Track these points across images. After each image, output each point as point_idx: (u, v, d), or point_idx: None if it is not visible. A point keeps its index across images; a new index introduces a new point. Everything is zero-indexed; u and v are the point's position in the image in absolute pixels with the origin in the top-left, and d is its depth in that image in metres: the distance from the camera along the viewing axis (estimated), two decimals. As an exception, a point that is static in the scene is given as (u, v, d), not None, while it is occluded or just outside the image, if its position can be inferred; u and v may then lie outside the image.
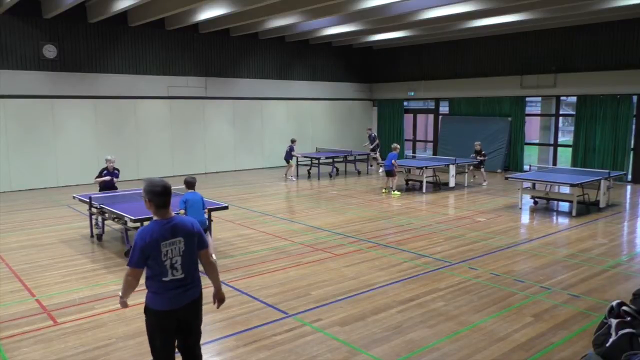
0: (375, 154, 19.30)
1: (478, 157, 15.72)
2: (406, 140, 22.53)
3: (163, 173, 16.92)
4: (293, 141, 16.51)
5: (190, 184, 7.54)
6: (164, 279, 3.46)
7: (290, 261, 7.71)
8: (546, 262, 7.67)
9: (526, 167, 17.24)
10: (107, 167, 9.83)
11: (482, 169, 15.69)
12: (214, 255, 7.49)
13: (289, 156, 16.36)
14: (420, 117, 23.52)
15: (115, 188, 10.05)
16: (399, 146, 14.45)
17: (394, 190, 13.86)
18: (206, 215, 7.65)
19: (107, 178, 9.78)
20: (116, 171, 9.92)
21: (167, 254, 3.43)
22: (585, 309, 5.82)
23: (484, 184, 15.51)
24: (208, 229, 7.71)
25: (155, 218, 3.52)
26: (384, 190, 14.06)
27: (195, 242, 3.60)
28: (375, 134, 20.73)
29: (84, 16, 15.01)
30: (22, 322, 5.49)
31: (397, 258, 7.85)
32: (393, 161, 13.64)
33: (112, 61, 15.90)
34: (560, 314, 5.66)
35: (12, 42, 14.13)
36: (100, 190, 9.88)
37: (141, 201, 9.22)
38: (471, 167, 15.75)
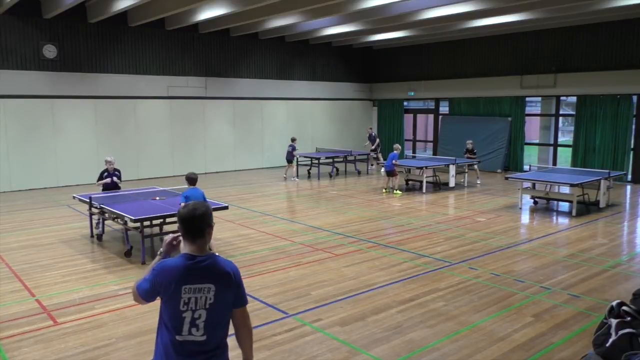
0: (377, 154, 19.31)
1: (469, 156, 15.73)
2: (406, 140, 22.53)
3: (163, 173, 16.94)
4: (293, 140, 16.48)
5: (191, 179, 7.55)
6: (177, 337, 2.56)
7: (290, 261, 7.72)
8: (546, 262, 7.67)
9: (526, 167, 17.24)
10: (107, 168, 9.75)
11: (476, 167, 15.69)
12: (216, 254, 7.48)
13: (290, 156, 16.34)
14: (420, 117, 23.52)
15: (119, 188, 10.00)
16: (400, 147, 14.50)
17: (395, 190, 13.88)
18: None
19: (108, 180, 9.71)
20: (117, 172, 9.83)
21: (188, 302, 2.56)
22: (585, 309, 5.82)
23: (478, 182, 15.52)
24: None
25: (185, 251, 2.66)
26: (384, 190, 14.08)
27: (232, 295, 2.67)
28: (376, 133, 20.73)
29: (84, 16, 15.01)
30: (22, 322, 5.49)
31: (397, 258, 7.85)
32: (394, 161, 13.68)
33: (112, 61, 15.90)
34: (560, 314, 5.66)
35: (12, 42, 14.12)
36: (102, 190, 9.81)
37: (141, 201, 9.28)
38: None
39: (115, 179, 9.78)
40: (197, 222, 2.62)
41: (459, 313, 5.69)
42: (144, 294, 2.64)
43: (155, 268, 2.63)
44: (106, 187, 9.78)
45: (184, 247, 2.66)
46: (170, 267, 2.59)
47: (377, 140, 19.48)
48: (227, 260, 2.76)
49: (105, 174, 9.72)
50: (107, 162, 9.72)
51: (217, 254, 7.74)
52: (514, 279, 6.88)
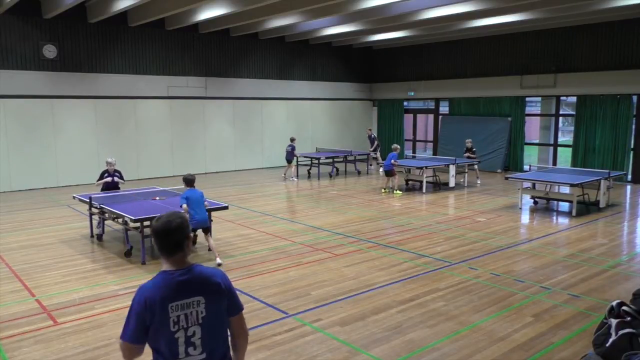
0: (376, 154, 19.33)
1: (470, 155, 15.73)
2: (406, 140, 22.53)
3: (163, 173, 16.94)
4: (293, 140, 16.51)
5: (189, 181, 7.54)
6: None
7: (290, 261, 7.71)
8: (546, 262, 7.67)
9: (526, 167, 17.24)
10: (107, 169, 9.73)
11: (476, 167, 15.69)
12: (218, 259, 7.49)
13: (290, 156, 16.36)
14: (420, 117, 23.52)
15: (118, 188, 9.98)
16: (399, 147, 14.51)
17: (395, 190, 13.88)
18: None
19: (109, 179, 9.70)
20: (117, 173, 9.81)
21: (178, 321, 2.37)
22: (585, 309, 5.82)
23: (478, 182, 15.52)
24: (209, 228, 7.71)
25: (163, 268, 2.45)
26: (383, 190, 14.07)
27: (224, 303, 2.50)
28: (375, 134, 20.76)
29: (84, 16, 15.01)
30: (22, 322, 5.49)
31: (397, 258, 7.85)
32: (392, 161, 13.69)
33: (112, 61, 15.91)
34: (560, 314, 5.66)
35: (12, 42, 14.13)
36: (103, 190, 9.79)
37: (141, 201, 9.29)
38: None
39: (116, 179, 9.76)
40: (174, 235, 2.40)
41: (459, 313, 5.69)
42: (132, 337, 2.35)
43: (134, 299, 2.38)
44: (106, 187, 9.76)
45: (162, 264, 2.44)
46: (149, 288, 2.37)
47: (377, 141, 19.51)
48: (212, 268, 2.59)
49: (106, 174, 9.70)
50: (107, 163, 9.70)
51: (217, 255, 7.61)
52: (514, 279, 6.88)
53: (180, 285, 2.38)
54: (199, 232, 7.89)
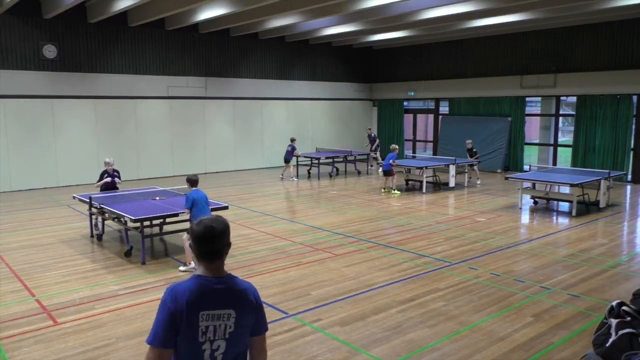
0: (376, 154, 19.34)
1: (472, 156, 15.75)
2: (406, 140, 22.53)
3: (163, 173, 16.94)
4: (293, 140, 16.51)
5: (193, 181, 7.51)
6: None
7: (290, 261, 7.72)
8: (546, 262, 7.67)
9: (526, 167, 17.25)
10: (106, 169, 9.74)
11: (476, 168, 15.70)
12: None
13: (290, 156, 16.35)
14: (420, 117, 23.52)
15: (117, 188, 9.98)
16: (397, 147, 14.51)
17: (394, 190, 13.88)
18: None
19: (108, 179, 9.70)
20: (116, 173, 9.81)
21: (206, 332, 2.20)
22: (585, 309, 5.82)
23: (478, 182, 15.53)
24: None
25: (197, 272, 2.30)
26: (383, 190, 14.08)
27: (252, 321, 2.32)
28: (375, 133, 20.77)
29: (84, 16, 15.01)
30: (22, 322, 5.49)
31: (397, 258, 7.85)
32: (391, 161, 13.70)
33: (112, 61, 15.90)
34: (560, 314, 5.67)
35: (12, 42, 14.12)
36: (102, 190, 9.80)
37: (141, 201, 9.27)
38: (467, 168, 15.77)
39: (116, 179, 9.76)
40: (215, 242, 2.24)
41: (459, 313, 5.69)
42: (164, 340, 2.15)
43: (164, 299, 2.19)
44: (105, 187, 9.76)
45: (198, 269, 2.30)
46: (183, 289, 2.19)
47: (377, 141, 19.52)
48: (246, 282, 2.40)
49: (106, 175, 9.71)
50: (106, 163, 9.69)
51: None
52: (514, 279, 6.89)
53: (214, 294, 2.21)
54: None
